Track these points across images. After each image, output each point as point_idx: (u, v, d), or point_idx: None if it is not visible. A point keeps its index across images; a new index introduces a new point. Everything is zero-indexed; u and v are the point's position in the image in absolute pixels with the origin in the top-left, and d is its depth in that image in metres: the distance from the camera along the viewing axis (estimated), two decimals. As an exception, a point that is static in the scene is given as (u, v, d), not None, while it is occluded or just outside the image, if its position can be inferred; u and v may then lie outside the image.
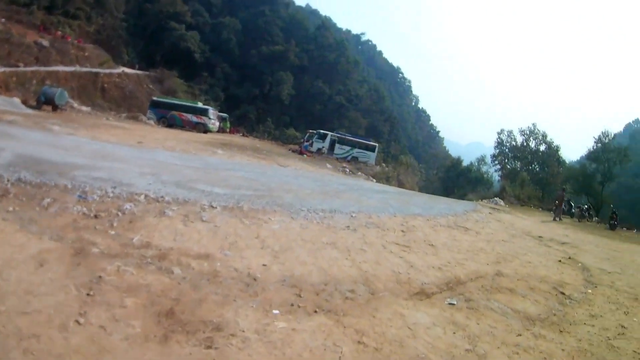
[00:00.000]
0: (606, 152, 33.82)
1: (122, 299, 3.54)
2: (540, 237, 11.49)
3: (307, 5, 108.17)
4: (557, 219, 18.93)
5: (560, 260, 8.37)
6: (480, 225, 11.39)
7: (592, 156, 35.21)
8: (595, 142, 37.18)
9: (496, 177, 53.45)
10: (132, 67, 43.09)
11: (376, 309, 4.38)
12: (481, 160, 53.63)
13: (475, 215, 13.57)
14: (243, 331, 3.40)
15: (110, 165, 8.44)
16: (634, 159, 36.66)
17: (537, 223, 16.50)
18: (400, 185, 37.29)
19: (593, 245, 11.95)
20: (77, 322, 3.11)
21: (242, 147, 23.58)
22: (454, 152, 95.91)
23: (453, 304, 4.95)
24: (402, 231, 8.19)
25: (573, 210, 22.05)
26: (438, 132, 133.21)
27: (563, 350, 4.24)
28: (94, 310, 3.28)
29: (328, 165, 26.71)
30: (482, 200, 26.16)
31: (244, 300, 3.99)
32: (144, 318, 3.33)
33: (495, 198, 26.10)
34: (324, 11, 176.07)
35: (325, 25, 74.01)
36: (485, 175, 51.01)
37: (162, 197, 6.70)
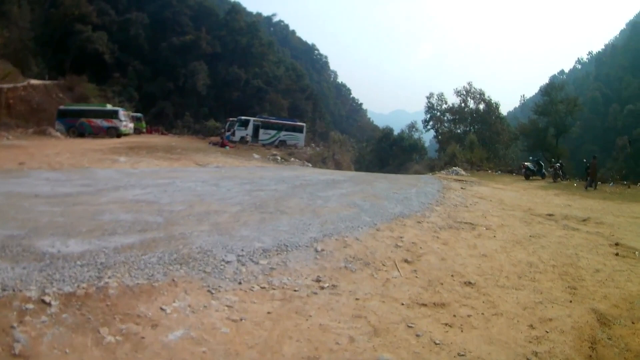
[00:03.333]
0: (554, 103, 32.79)
1: None
2: (550, 215, 9.66)
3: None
4: (591, 188, 17.47)
5: (617, 254, 6.51)
6: (477, 213, 9.27)
7: (539, 110, 34.04)
8: (542, 94, 36.46)
9: (426, 142, 54.86)
10: (43, 79, 40.01)
11: None
12: (412, 127, 52.60)
13: (454, 196, 11.55)
14: None
15: None
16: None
17: (521, 193, 14.85)
18: (337, 165, 35.19)
19: (612, 216, 10.13)
20: None
21: (153, 148, 21.06)
22: (378, 122, 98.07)
23: None
24: (406, 261, 5.35)
25: (544, 171, 21.22)
26: (361, 104, 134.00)
27: None
28: None
29: (255, 156, 24.21)
30: (440, 171, 24.48)
31: None
32: None
33: (455, 168, 24.43)
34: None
35: (235, 9, 71.95)
36: (418, 142, 50.80)
37: None
